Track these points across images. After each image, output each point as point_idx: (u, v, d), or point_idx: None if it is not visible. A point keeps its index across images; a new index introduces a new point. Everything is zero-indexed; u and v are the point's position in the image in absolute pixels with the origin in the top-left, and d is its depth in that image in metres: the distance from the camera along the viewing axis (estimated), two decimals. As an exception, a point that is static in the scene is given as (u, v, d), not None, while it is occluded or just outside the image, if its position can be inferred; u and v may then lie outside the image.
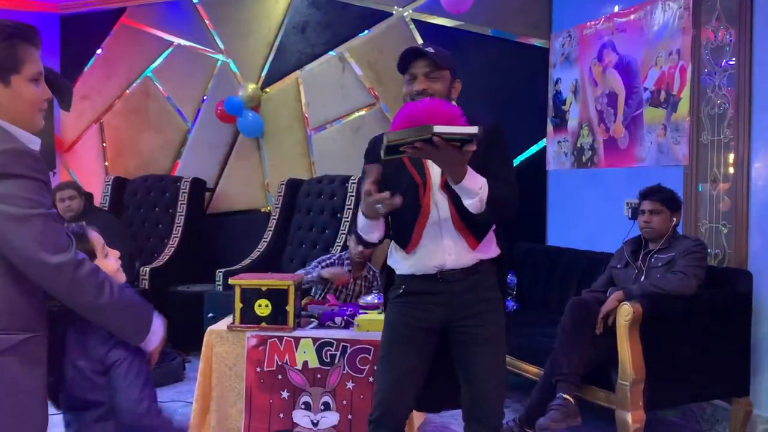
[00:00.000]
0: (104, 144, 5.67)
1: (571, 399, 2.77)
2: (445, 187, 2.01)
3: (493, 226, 2.14)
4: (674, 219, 3.15)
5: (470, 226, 2.04)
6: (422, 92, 1.99)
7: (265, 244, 4.81)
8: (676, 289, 2.87)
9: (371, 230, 2.08)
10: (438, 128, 1.71)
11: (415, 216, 2.03)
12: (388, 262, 2.20)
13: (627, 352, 2.74)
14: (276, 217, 4.92)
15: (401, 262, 2.12)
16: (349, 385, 2.81)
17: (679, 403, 3.26)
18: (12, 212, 1.32)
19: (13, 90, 1.40)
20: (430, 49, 2.01)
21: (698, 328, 2.93)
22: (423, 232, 2.04)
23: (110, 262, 1.66)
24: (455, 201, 2.00)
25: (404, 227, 2.06)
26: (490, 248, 2.13)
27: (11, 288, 1.38)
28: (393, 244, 2.17)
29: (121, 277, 1.67)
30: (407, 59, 2.02)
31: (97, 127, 5.68)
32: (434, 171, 2.03)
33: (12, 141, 1.37)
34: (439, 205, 2.04)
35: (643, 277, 3.06)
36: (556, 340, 2.96)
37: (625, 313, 2.74)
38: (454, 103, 2.03)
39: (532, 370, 3.31)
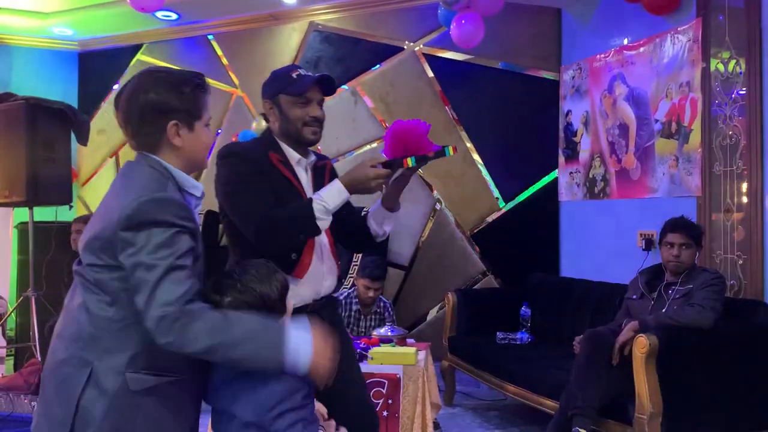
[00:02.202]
0: (120, 176, 5.74)
1: (587, 433, 2.74)
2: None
3: None
4: (698, 253, 3.15)
5: (337, 250, 2.10)
6: (319, 119, 2.00)
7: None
8: (692, 321, 2.85)
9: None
10: (410, 161, 1.83)
11: (304, 239, 1.97)
12: None
13: (644, 385, 2.70)
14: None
15: None
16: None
17: (698, 438, 3.21)
18: (138, 259, 1.38)
19: (195, 134, 1.54)
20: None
21: (715, 360, 2.89)
22: (312, 257, 1.97)
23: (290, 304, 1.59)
24: (332, 227, 1.97)
25: (289, 251, 1.96)
26: None
27: None
28: None
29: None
30: (312, 84, 1.95)
31: (113, 161, 5.77)
32: (309, 193, 1.97)
33: (161, 190, 1.44)
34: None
35: (664, 309, 3.03)
36: (571, 373, 2.93)
37: (642, 345, 2.72)
38: None
39: (547, 403, 3.27)
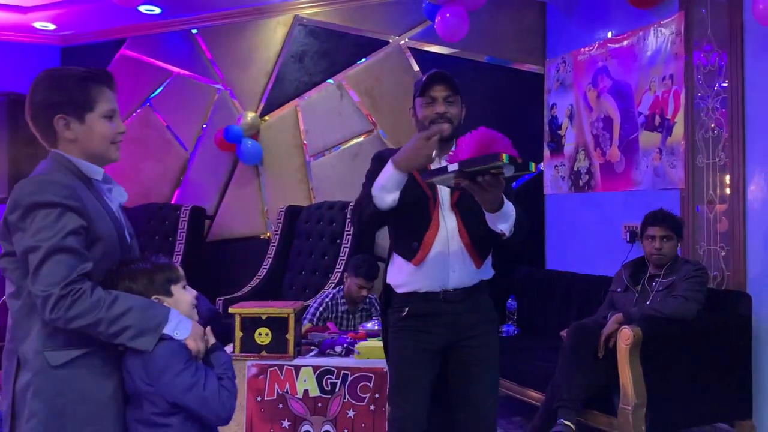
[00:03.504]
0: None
1: (572, 425, 2.76)
2: (456, 205, 2.07)
3: (492, 246, 2.19)
4: (679, 244, 3.17)
5: (479, 246, 2.10)
6: (443, 115, 2.08)
7: (265, 271, 4.81)
8: (676, 313, 2.88)
9: (396, 188, 1.95)
10: (505, 156, 1.71)
11: (425, 229, 2.07)
12: (388, 281, 2.20)
13: (628, 376, 2.73)
14: (275, 243, 4.93)
15: (404, 278, 2.13)
16: (350, 413, 2.80)
17: (681, 427, 3.23)
18: (25, 242, 1.45)
19: (88, 126, 1.57)
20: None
21: (699, 351, 2.92)
22: (432, 246, 2.06)
23: (187, 295, 1.65)
24: (466, 221, 2.07)
25: (412, 238, 2.08)
26: (489, 269, 2.19)
27: None
28: (394, 260, 2.18)
29: (194, 315, 1.65)
30: (429, 83, 2.08)
31: (97, 157, 5.72)
32: (443, 189, 2.07)
33: (43, 175, 1.52)
34: (447, 221, 2.08)
35: (648, 302, 3.06)
36: (557, 365, 2.95)
37: (626, 337, 2.74)
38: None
39: (533, 395, 3.30)
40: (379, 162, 2.15)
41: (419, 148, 1.91)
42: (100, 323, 1.44)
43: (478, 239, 2.10)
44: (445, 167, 1.79)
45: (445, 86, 2.09)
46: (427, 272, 2.08)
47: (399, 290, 2.16)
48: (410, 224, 2.06)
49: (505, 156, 1.69)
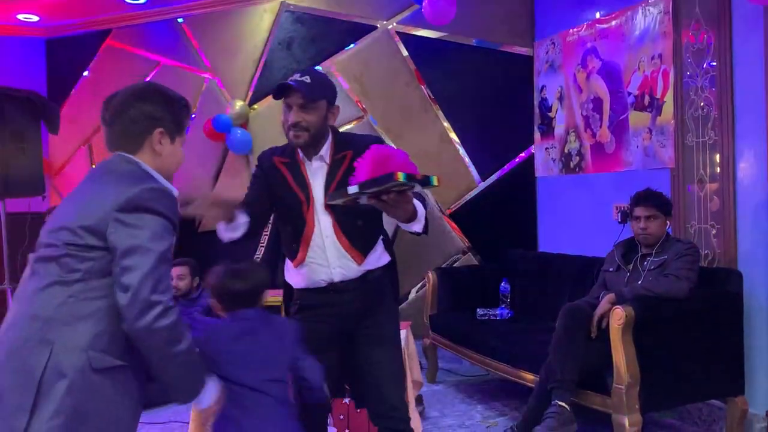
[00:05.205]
0: (93, 166, 5.66)
1: (566, 406, 2.78)
2: (328, 206, 2.08)
3: (380, 236, 2.23)
4: (668, 222, 3.18)
5: (358, 244, 2.12)
6: (296, 125, 2.05)
7: (258, 260, 4.80)
8: (668, 291, 2.89)
9: (234, 229, 2.12)
10: (401, 175, 1.67)
11: (300, 231, 2.11)
12: (285, 277, 2.29)
13: (621, 355, 2.75)
14: (268, 232, 4.92)
15: (294, 276, 2.21)
16: (346, 400, 2.81)
17: (675, 405, 3.27)
18: (136, 242, 1.48)
19: (175, 147, 1.70)
20: (307, 79, 2.03)
21: (691, 329, 2.94)
22: (308, 248, 2.12)
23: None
24: (340, 220, 2.09)
25: (291, 241, 2.15)
26: (380, 259, 2.21)
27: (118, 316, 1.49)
28: (286, 259, 2.26)
29: None
30: (280, 90, 2.05)
31: (86, 150, 5.68)
32: (317, 189, 2.10)
33: (156, 183, 1.59)
34: (322, 222, 2.11)
35: (639, 281, 3.06)
36: (550, 347, 2.96)
37: (618, 316, 2.75)
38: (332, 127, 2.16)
39: (527, 377, 3.32)
40: (260, 164, 2.25)
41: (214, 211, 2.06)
42: (173, 355, 1.51)
43: (357, 237, 2.12)
44: (346, 189, 1.78)
45: (299, 95, 2.02)
46: (310, 272, 2.14)
47: (294, 286, 2.24)
48: (289, 227, 2.14)
49: (401, 175, 1.66)
